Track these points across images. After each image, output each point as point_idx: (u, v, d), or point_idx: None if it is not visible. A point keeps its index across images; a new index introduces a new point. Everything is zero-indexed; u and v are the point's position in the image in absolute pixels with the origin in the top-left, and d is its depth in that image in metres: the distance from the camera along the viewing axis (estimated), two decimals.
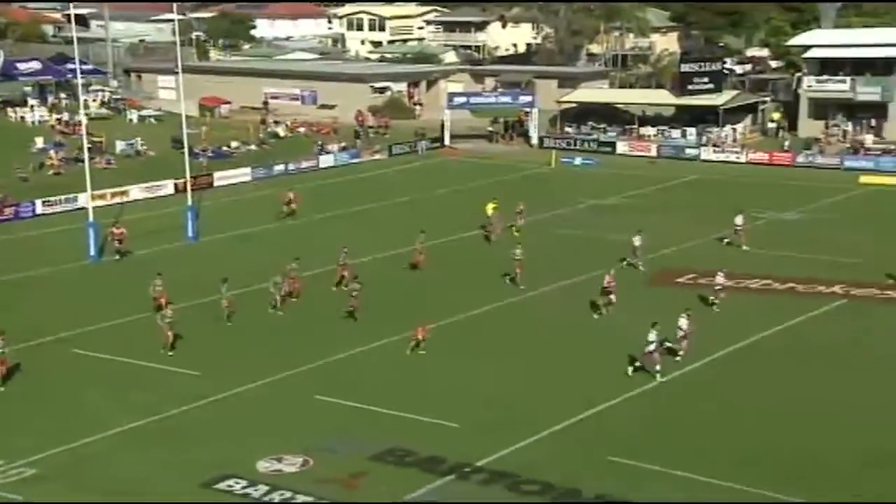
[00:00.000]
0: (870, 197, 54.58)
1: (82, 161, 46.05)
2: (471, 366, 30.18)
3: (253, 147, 67.28)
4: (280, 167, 61.64)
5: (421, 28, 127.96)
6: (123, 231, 42.41)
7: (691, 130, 68.15)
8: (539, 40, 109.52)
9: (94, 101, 74.93)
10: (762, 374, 29.55)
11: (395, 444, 24.78)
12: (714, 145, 66.09)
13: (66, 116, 69.76)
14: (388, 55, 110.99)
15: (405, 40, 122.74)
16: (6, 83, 74.08)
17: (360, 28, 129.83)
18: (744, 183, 57.65)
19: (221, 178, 58.40)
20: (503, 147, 70.61)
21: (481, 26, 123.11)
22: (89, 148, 47.80)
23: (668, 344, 29.81)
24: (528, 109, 71.09)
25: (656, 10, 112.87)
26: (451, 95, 73.78)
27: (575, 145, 68.57)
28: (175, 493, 22.85)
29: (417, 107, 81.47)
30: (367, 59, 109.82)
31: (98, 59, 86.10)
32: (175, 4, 56.18)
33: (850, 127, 67.20)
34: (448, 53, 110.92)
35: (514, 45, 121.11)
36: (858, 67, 67.82)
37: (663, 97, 72.85)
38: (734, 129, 68.66)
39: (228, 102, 79.63)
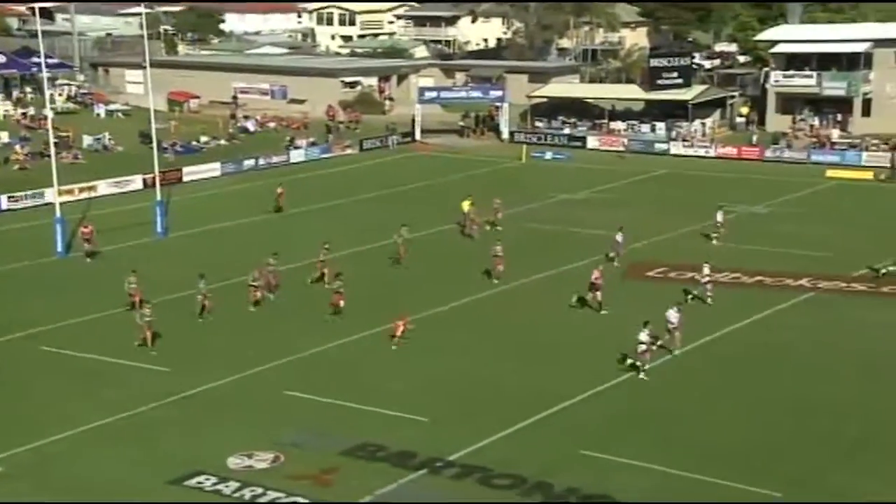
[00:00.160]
0: (836, 191, 55.18)
1: (48, 156, 45.53)
2: (441, 360, 30.16)
3: (223, 142, 66.92)
4: (250, 162, 61.32)
5: (391, 23, 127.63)
6: (91, 230, 41.67)
7: (661, 125, 68.49)
8: (509, 35, 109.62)
9: (61, 95, 74.17)
10: (732, 368, 29.71)
11: (366, 440, 24.72)
12: (683, 140, 66.42)
13: (31, 111, 69.01)
14: (359, 50, 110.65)
15: (376, 35, 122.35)
16: None
17: (330, 23, 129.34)
18: (713, 177, 58.03)
19: (190, 173, 57.98)
20: (474, 142, 70.56)
21: (452, 21, 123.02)
22: (56, 143, 47.30)
23: (661, 343, 29.90)
24: (498, 104, 71.06)
25: (625, 5, 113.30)
26: (422, 90, 73.62)
27: (546, 140, 68.69)
28: (145, 490, 22.67)
29: (388, 101, 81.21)
30: (338, 54, 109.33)
31: (64, 52, 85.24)
32: None
33: (816, 121, 67.86)
34: (419, 48, 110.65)
35: (485, 40, 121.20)
36: (824, 62, 68.46)
37: (633, 92, 73.10)
38: (703, 124, 69.09)
39: (197, 97, 79.05)
